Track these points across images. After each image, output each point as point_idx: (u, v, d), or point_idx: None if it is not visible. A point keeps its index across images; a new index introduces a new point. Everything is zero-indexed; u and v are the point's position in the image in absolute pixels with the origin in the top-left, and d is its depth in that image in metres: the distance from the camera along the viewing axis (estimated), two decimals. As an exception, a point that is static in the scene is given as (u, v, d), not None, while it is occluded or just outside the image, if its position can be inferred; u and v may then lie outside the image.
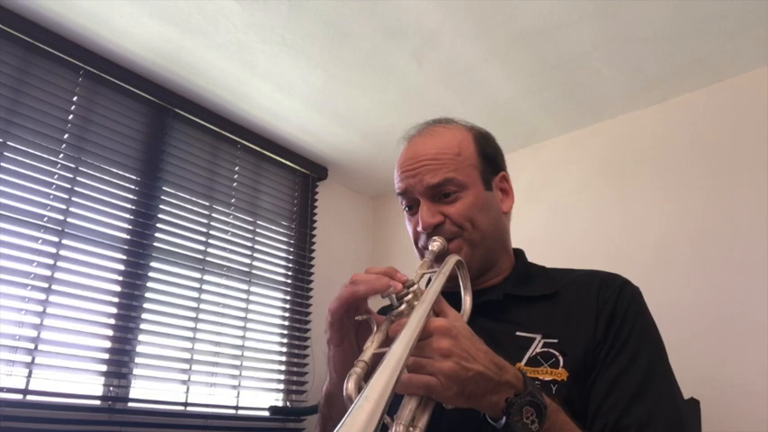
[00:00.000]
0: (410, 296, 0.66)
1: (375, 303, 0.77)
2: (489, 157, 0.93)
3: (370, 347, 0.63)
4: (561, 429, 0.66)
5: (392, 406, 0.50)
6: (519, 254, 0.98)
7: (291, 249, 2.59)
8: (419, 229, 0.88)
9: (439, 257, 0.84)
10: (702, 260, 1.95)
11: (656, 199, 2.13)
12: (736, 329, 1.80)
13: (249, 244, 2.40)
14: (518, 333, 0.80)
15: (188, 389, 2.01)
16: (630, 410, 0.71)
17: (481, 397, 0.62)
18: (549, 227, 2.37)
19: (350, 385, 0.56)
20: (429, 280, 0.87)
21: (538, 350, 0.78)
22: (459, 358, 0.60)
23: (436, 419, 0.62)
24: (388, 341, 0.63)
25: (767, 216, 1.85)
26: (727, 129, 2.03)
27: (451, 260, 0.81)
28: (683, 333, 1.84)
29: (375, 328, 0.67)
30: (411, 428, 0.57)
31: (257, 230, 2.45)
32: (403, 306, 0.65)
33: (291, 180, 2.71)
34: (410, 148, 0.92)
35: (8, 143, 1.74)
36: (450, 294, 0.77)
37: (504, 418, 0.62)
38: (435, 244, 0.85)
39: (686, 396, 1.09)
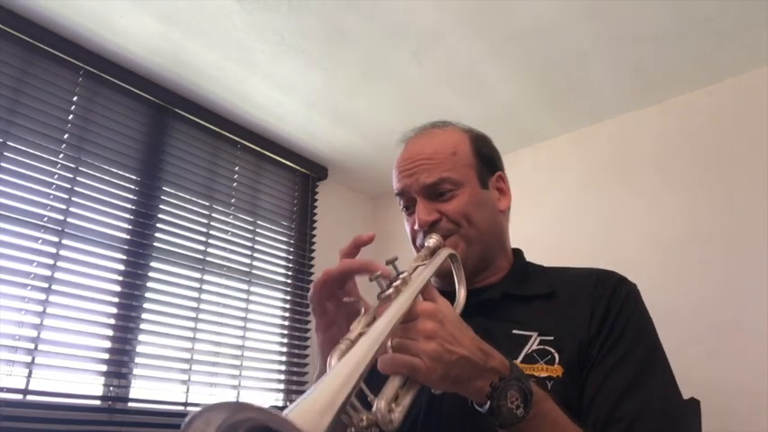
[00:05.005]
0: (399, 282, 0.66)
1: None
2: (485, 158, 0.94)
3: (357, 328, 0.63)
4: (548, 416, 0.65)
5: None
6: (517, 253, 0.98)
7: (291, 249, 2.59)
8: (416, 227, 0.88)
9: (434, 253, 0.84)
10: (702, 260, 1.95)
11: (656, 199, 2.13)
12: (737, 329, 1.80)
13: (249, 244, 2.40)
14: (514, 331, 0.81)
15: (188, 389, 2.01)
16: (622, 404, 0.71)
17: (467, 382, 0.62)
18: (549, 227, 2.37)
19: (333, 361, 0.55)
20: None
21: (534, 347, 0.78)
22: (444, 341, 0.60)
23: (435, 415, 0.61)
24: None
25: (767, 216, 1.85)
26: (727, 129, 2.03)
27: (444, 252, 0.82)
28: (684, 333, 1.84)
29: (363, 311, 0.67)
30: (393, 405, 0.56)
31: (257, 230, 2.45)
32: (391, 290, 0.65)
33: (291, 180, 2.70)
34: (407, 149, 0.94)
35: (8, 143, 1.74)
36: (447, 294, 0.78)
37: (489, 403, 0.62)
38: (431, 240, 0.85)
39: (686, 396, 1.08)
